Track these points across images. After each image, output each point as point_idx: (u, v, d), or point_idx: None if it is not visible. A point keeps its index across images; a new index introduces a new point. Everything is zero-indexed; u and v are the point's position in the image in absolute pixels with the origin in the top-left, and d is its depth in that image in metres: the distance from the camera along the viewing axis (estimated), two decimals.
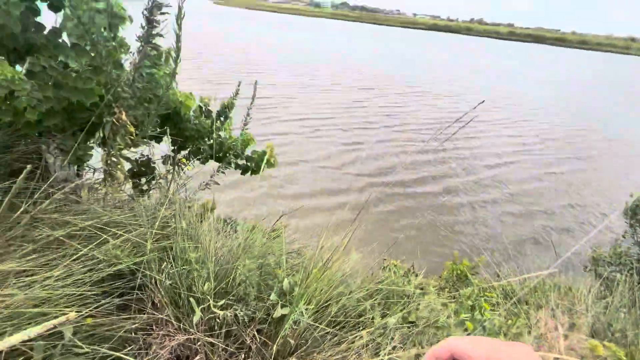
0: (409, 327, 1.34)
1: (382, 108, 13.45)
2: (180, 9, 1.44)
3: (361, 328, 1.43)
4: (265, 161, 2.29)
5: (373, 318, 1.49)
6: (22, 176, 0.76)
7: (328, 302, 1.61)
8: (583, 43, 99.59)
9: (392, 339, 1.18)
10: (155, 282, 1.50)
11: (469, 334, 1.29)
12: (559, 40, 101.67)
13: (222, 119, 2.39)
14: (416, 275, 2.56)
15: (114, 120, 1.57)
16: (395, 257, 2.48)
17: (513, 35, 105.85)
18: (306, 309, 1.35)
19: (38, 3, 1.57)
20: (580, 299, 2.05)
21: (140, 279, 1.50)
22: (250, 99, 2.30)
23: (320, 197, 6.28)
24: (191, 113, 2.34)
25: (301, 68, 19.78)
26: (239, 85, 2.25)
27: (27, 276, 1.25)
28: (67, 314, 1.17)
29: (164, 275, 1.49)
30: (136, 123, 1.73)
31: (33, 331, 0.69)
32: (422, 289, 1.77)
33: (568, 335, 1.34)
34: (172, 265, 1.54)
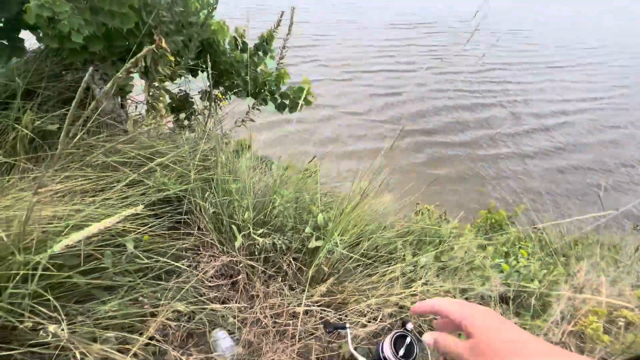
0: (441, 268, 1.36)
1: (427, 48, 12.02)
2: None
3: (393, 263, 1.47)
4: (302, 98, 2.20)
5: (404, 256, 1.52)
6: (75, 102, 0.79)
7: (360, 239, 1.66)
8: None
9: (425, 273, 1.20)
10: (200, 209, 1.61)
11: (505, 276, 1.28)
12: None
13: (260, 53, 2.27)
14: (448, 222, 2.53)
15: (154, 48, 1.54)
16: (429, 203, 2.45)
17: None
18: (340, 240, 1.40)
19: None
20: (625, 255, 1.94)
21: (187, 205, 1.62)
22: (287, 30, 2.14)
23: (353, 142, 6.14)
24: (226, 45, 2.24)
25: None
26: (281, 16, 2.08)
27: (89, 196, 1.39)
28: (127, 230, 1.30)
29: (207, 203, 1.58)
30: (175, 51, 1.70)
31: (99, 225, 0.78)
32: (456, 233, 1.75)
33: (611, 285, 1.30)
34: (214, 195, 1.63)
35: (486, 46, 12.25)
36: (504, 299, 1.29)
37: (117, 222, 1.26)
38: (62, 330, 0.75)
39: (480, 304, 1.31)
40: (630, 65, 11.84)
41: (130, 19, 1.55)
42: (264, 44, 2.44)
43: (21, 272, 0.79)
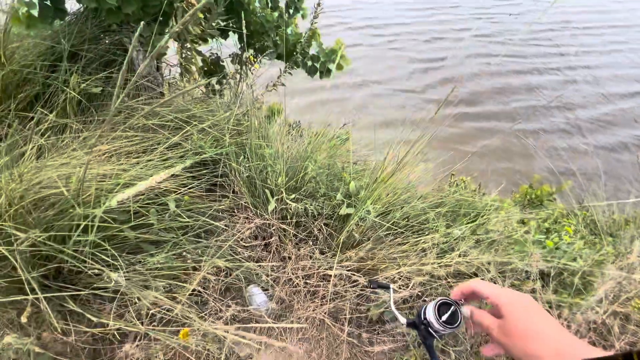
0: (477, 241, 1.32)
1: (477, 10, 10.72)
2: None
3: (425, 234, 1.45)
4: (335, 62, 2.10)
5: (437, 227, 1.49)
6: (122, 72, 0.79)
7: (392, 208, 1.64)
8: None
9: (460, 247, 1.17)
10: (235, 173, 1.66)
11: (546, 252, 1.22)
12: None
13: (291, 11, 2.15)
14: (484, 195, 2.42)
15: (184, 5, 1.51)
16: (465, 174, 2.34)
17: None
18: (372, 208, 1.38)
19: None
20: None
21: (222, 168, 1.67)
22: None
23: (388, 111, 5.87)
24: (256, 3, 2.14)
25: None
26: None
27: (134, 157, 1.46)
28: (169, 190, 1.37)
29: (242, 167, 1.62)
30: (205, 9, 1.65)
31: (148, 182, 0.82)
32: (494, 206, 1.67)
33: None
34: (248, 160, 1.65)
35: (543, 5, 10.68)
36: (543, 276, 1.25)
37: (160, 183, 1.32)
38: (122, 277, 0.83)
39: (519, 279, 1.28)
40: None
41: None
42: (295, 1, 2.31)
43: (82, 224, 0.87)
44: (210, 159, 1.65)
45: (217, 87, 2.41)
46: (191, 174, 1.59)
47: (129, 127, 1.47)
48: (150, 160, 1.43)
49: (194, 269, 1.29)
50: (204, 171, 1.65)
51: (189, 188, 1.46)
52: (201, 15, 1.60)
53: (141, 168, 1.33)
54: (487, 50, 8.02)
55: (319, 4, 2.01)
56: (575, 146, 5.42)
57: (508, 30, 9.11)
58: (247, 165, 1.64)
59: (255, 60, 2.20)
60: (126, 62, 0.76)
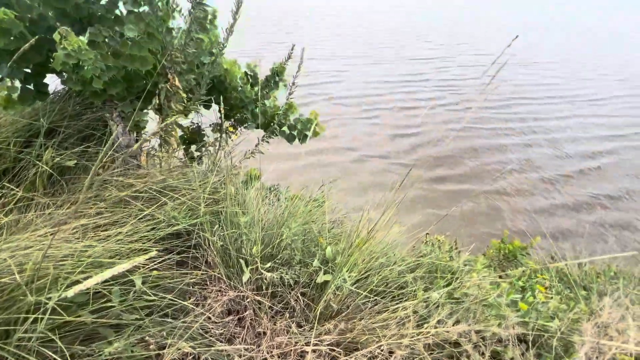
0: (454, 304, 1.31)
1: (444, 81, 11.99)
2: None
3: (404, 299, 1.43)
4: (312, 130, 2.26)
5: (415, 291, 1.48)
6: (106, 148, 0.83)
7: (369, 273, 1.63)
8: None
9: (438, 313, 1.16)
10: (209, 243, 1.62)
11: (522, 315, 1.22)
12: None
13: (271, 84, 2.37)
14: (459, 252, 2.46)
15: (168, 86, 1.63)
16: (439, 233, 2.40)
17: None
18: (349, 276, 1.37)
19: None
20: None
21: (195, 239, 1.63)
22: (296, 67, 2.24)
23: (365, 175, 6.15)
24: (237, 81, 2.35)
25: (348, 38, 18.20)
26: (292, 49, 2.19)
27: (101, 231, 1.41)
28: (137, 265, 1.31)
29: (216, 237, 1.59)
30: (187, 89, 1.79)
31: (112, 271, 0.79)
32: (469, 265, 1.70)
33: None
34: (223, 228, 1.64)
35: (506, 79, 12.29)
36: (522, 340, 1.23)
37: (127, 258, 1.27)
38: None
39: (497, 345, 1.24)
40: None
41: (148, 62, 1.66)
42: (275, 75, 2.55)
43: (31, 317, 0.80)
44: (184, 230, 1.62)
45: (196, 154, 2.48)
46: (162, 246, 1.54)
47: (99, 199, 1.45)
48: (119, 233, 1.39)
49: (158, 355, 1.17)
50: (176, 242, 1.61)
51: (159, 262, 1.40)
52: (184, 95, 1.73)
53: (108, 243, 1.28)
54: (455, 118, 8.87)
55: (294, 83, 2.23)
56: (542, 206, 5.78)
57: (472, 100, 10.23)
58: (221, 234, 1.62)
59: (234, 130, 2.33)
60: (109, 142, 0.79)
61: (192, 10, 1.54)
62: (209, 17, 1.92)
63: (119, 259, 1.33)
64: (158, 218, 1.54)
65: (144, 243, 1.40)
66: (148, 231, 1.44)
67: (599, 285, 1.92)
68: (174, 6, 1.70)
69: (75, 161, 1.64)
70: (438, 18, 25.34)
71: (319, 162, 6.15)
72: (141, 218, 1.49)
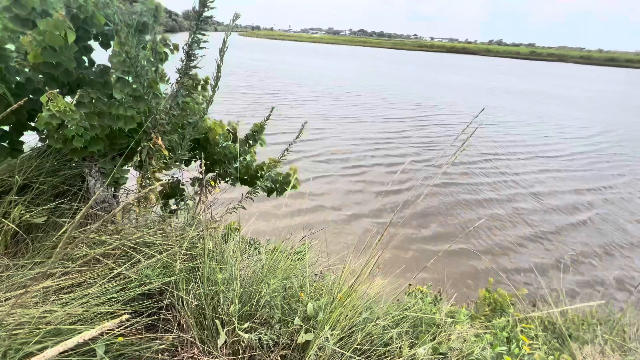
0: (440, 359, 1.26)
1: (425, 139, 12.56)
2: (224, 42, 1.58)
3: (389, 358, 1.36)
4: (291, 185, 2.33)
5: (401, 347, 1.42)
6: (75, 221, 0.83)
7: (353, 329, 1.56)
8: (611, 60, 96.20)
9: None
10: (183, 303, 1.53)
11: None
12: (584, 58, 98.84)
13: (250, 142, 2.48)
14: (441, 301, 2.43)
15: (151, 144, 1.68)
16: (421, 283, 2.38)
17: (535, 54, 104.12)
18: (331, 335, 1.31)
19: (90, 42, 1.76)
20: (633, 335, 1.86)
21: (168, 299, 1.53)
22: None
23: (345, 231, 6.17)
24: (221, 138, 2.45)
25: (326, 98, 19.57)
26: (271, 111, 2.36)
27: (65, 293, 1.31)
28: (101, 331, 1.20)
29: (190, 296, 1.51)
30: (170, 147, 1.84)
31: (70, 342, 0.72)
32: (452, 317, 1.67)
33: None
34: (199, 286, 1.56)
35: (482, 137, 13.29)
36: None
37: (91, 323, 1.17)
38: None
39: None
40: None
41: (134, 120, 1.72)
42: (254, 133, 2.69)
43: None
44: (157, 289, 1.54)
45: (174, 207, 2.45)
46: (132, 308, 1.43)
47: (66, 258, 1.37)
48: (85, 295, 1.29)
49: None
50: (147, 303, 1.51)
51: (126, 327, 1.30)
52: (166, 153, 1.77)
53: (72, 307, 1.19)
54: (436, 174, 9.25)
55: (287, 150, 2.35)
56: (522, 264, 5.92)
57: (452, 159, 10.81)
58: (197, 292, 1.54)
59: (215, 184, 2.35)
60: (90, 201, 0.79)
61: (179, 78, 1.67)
62: (201, 82, 2.08)
63: (82, 325, 1.22)
64: (130, 277, 1.46)
65: (111, 305, 1.31)
66: (117, 292, 1.36)
67: (582, 332, 1.92)
68: (162, 74, 1.83)
69: (46, 218, 1.58)
70: (402, 82, 28.17)
71: (300, 219, 6.14)
72: (111, 278, 1.41)
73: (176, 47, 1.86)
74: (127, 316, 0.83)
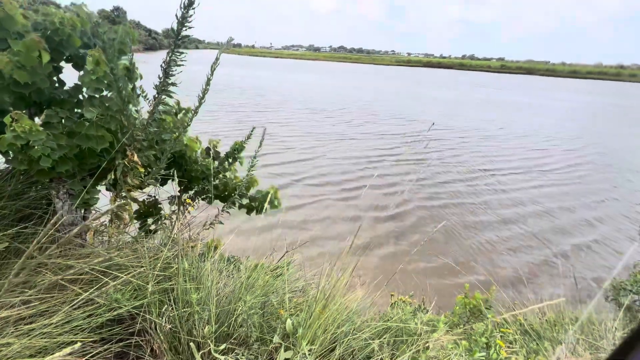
0: None
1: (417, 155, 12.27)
2: (217, 58, 1.61)
3: None
4: (268, 201, 2.32)
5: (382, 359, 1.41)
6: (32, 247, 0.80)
7: (334, 343, 1.54)
8: (574, 73, 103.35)
9: None
10: (155, 327, 1.46)
11: None
12: (550, 71, 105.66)
13: (230, 160, 2.47)
14: (427, 311, 2.44)
15: (126, 162, 1.64)
16: (403, 293, 2.39)
17: (505, 68, 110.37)
18: (310, 351, 1.29)
19: (62, 63, 1.73)
20: (603, 333, 1.92)
21: (140, 323, 1.47)
22: (259, 144, 2.40)
23: (327, 242, 6.13)
24: (198, 155, 2.42)
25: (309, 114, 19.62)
26: (252, 130, 2.37)
27: (26, 324, 1.24)
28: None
29: (164, 319, 1.45)
30: (146, 164, 1.80)
31: None
32: (433, 325, 1.68)
33: None
34: (173, 308, 1.51)
35: (476, 151, 13.43)
36: None
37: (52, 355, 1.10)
38: None
39: None
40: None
41: (105, 140, 1.69)
42: (235, 152, 2.68)
43: None
44: (127, 313, 1.47)
45: (152, 227, 2.38)
46: (100, 335, 1.36)
47: (28, 286, 1.30)
48: (47, 325, 1.22)
49: None
50: (118, 329, 1.44)
51: (93, 355, 1.23)
52: (142, 170, 1.74)
53: (31, 338, 1.12)
54: (434, 193, 9.12)
55: (254, 157, 2.35)
56: (497, 254, 6.06)
57: (446, 173, 10.87)
58: (171, 314, 1.48)
59: (192, 203, 2.31)
60: (50, 224, 0.76)
61: (156, 95, 1.66)
62: (182, 110, 2.08)
63: (43, 358, 1.14)
64: (98, 302, 1.39)
65: (77, 334, 1.24)
66: (84, 319, 1.29)
67: (555, 333, 1.97)
68: (140, 92, 1.82)
69: (7, 244, 1.50)
70: (394, 99, 28.67)
71: (283, 236, 6.02)
72: (77, 304, 1.34)
73: (141, 77, 1.86)
74: (79, 344, 0.79)
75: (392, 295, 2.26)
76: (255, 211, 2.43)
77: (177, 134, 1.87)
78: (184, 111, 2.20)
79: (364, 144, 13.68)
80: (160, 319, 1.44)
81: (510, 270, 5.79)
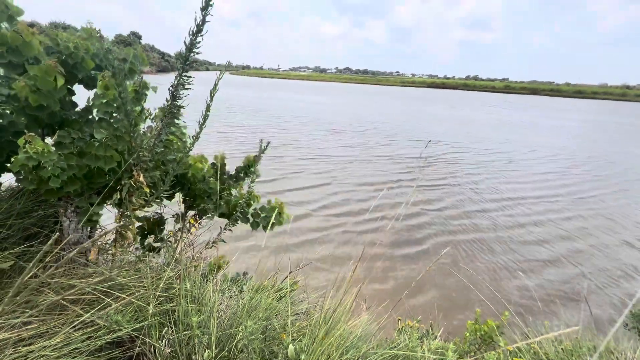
0: None
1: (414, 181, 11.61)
2: (215, 84, 1.65)
3: None
4: (273, 217, 2.31)
5: None
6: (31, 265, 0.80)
7: None
8: (579, 93, 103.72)
9: None
10: (155, 351, 1.43)
11: None
12: (555, 91, 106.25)
13: (241, 174, 2.48)
14: (435, 337, 2.35)
15: (132, 182, 1.66)
16: (410, 317, 2.30)
17: (509, 88, 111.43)
18: None
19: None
20: None
21: (139, 346, 1.44)
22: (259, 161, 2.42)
23: (333, 266, 6.02)
24: (205, 171, 2.45)
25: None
26: (261, 143, 2.40)
27: (25, 345, 1.22)
28: None
29: (164, 342, 1.42)
30: (151, 183, 1.83)
31: None
32: (440, 354, 1.61)
33: None
34: (173, 331, 1.48)
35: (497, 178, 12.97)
36: None
37: None
38: None
39: None
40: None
41: (113, 160, 1.72)
42: (247, 167, 2.69)
43: None
44: (127, 336, 1.44)
45: (156, 245, 2.37)
46: (98, 359, 1.33)
47: (29, 307, 1.29)
48: (45, 347, 1.20)
49: None
50: (116, 352, 1.41)
51: None
52: (147, 190, 1.76)
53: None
54: (460, 226, 8.62)
55: (255, 177, 2.37)
56: (507, 285, 5.85)
57: (469, 200, 10.50)
58: (171, 338, 1.45)
59: (195, 222, 2.31)
60: (50, 241, 0.77)
61: (164, 117, 1.71)
62: (183, 127, 2.13)
63: None
64: (98, 324, 1.37)
65: (75, 357, 1.22)
66: (82, 341, 1.27)
67: None
68: (147, 114, 1.88)
69: (12, 263, 1.50)
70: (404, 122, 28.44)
71: (286, 257, 5.89)
72: (78, 325, 1.32)
73: (154, 89, 1.92)
74: None
75: (399, 319, 2.19)
76: (260, 226, 2.41)
77: (180, 155, 1.91)
78: (186, 136, 2.23)
79: (386, 167, 13.33)
80: (160, 342, 1.41)
81: (526, 293, 5.58)
